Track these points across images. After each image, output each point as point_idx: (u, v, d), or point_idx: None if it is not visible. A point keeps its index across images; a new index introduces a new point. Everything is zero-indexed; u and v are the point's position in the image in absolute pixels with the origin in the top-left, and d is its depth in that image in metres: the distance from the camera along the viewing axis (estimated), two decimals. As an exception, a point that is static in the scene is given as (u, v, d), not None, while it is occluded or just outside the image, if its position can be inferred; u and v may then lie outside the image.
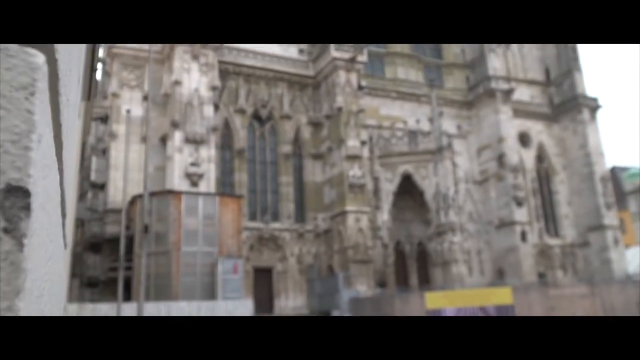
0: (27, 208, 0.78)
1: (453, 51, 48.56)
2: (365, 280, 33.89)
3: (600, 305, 26.99)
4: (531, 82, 50.31)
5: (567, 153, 48.37)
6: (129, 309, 20.68)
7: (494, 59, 46.12)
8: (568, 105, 48.74)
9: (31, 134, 0.81)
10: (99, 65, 30.53)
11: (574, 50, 50.41)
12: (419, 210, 40.06)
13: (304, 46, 41.17)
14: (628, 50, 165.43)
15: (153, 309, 22.09)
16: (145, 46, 32.14)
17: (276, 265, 36.12)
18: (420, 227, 40.07)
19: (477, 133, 45.02)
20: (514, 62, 50.01)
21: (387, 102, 42.80)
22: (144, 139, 28.43)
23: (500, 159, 42.67)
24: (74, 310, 20.52)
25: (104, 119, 34.49)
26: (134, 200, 28.40)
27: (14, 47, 0.84)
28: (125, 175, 27.06)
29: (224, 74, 36.37)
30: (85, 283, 29.84)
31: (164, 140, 33.27)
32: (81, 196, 30.31)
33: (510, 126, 44.15)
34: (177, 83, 32.93)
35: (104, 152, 33.93)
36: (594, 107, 48.90)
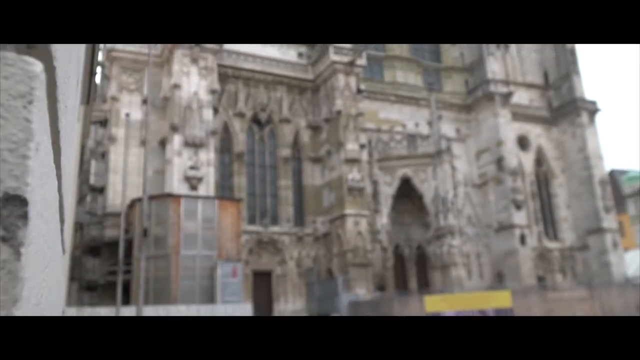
0: (24, 217, 0.78)
1: (452, 55, 48.64)
2: (364, 283, 33.86)
3: (600, 308, 26.98)
4: (530, 86, 50.37)
5: (566, 156, 48.39)
6: (128, 313, 20.66)
7: (492, 63, 46.19)
8: (567, 108, 48.79)
9: (29, 142, 0.81)
10: (98, 69, 30.55)
11: (573, 54, 50.49)
12: (418, 213, 40.05)
13: (303, 50, 41.20)
14: (626, 54, 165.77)
15: (152, 312, 22.06)
16: (145, 50, 32.17)
17: (275, 268, 36.08)
18: (419, 230, 40.05)
19: (476, 136, 45.05)
20: (512, 65, 50.07)
21: (386, 106, 42.83)
22: (143, 143, 28.43)
23: (499, 162, 42.68)
24: (72, 313, 20.49)
25: (103, 123, 34.49)
26: (133, 204, 28.39)
27: (11, 56, 0.84)
28: (125, 178, 27.06)
29: (223, 77, 36.40)
30: (84, 287, 29.78)
31: (163, 143, 33.28)
32: (80, 200, 30.28)
33: (509, 129, 44.17)
34: (177, 86, 32.95)
35: (103, 155, 33.93)
36: (592, 110, 48.96)
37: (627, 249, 53.07)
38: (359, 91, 38.50)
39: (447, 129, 43.15)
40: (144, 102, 30.82)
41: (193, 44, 33.50)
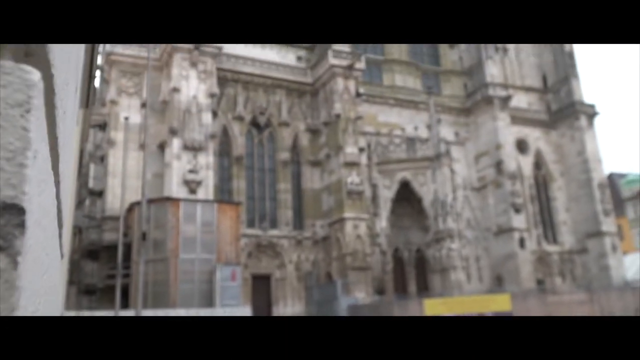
0: (21, 225, 0.78)
1: (451, 58, 48.72)
2: (363, 287, 33.83)
3: (599, 311, 26.98)
4: (528, 89, 50.45)
5: (564, 160, 48.43)
6: (126, 317, 20.60)
7: (491, 66, 46.26)
8: (565, 112, 48.86)
9: (26, 151, 0.81)
10: (98, 73, 30.57)
11: (571, 57, 50.59)
12: (417, 217, 40.05)
13: (302, 53, 41.28)
14: (625, 57, 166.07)
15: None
16: (144, 53, 32.20)
17: (274, 272, 36.05)
18: (418, 233, 40.04)
19: (475, 140, 45.09)
20: (511, 69, 50.16)
21: (385, 109, 42.86)
22: (142, 146, 28.42)
23: (498, 165, 42.71)
24: (71, 318, 20.42)
25: (103, 126, 34.50)
26: (131, 207, 28.37)
27: (9, 64, 0.84)
28: (124, 182, 27.05)
29: (222, 81, 36.43)
30: (82, 290, 29.74)
31: (162, 147, 33.28)
32: (79, 203, 30.27)
33: (508, 133, 44.22)
34: (176, 90, 32.98)
35: (102, 159, 33.92)
36: (591, 113, 49.02)
37: (626, 252, 53.07)
38: (358, 95, 38.54)
39: (446, 132, 43.17)
40: (143, 105, 30.84)
41: (192, 48, 33.56)
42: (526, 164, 46.52)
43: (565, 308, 27.11)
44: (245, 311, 25.32)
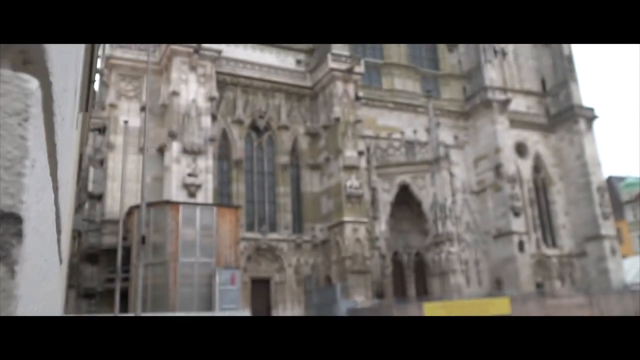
0: (19, 234, 0.78)
1: (450, 62, 48.79)
2: (363, 291, 33.79)
3: (598, 314, 26.94)
4: (527, 93, 50.52)
5: (563, 163, 48.47)
6: (125, 321, 20.53)
7: (490, 70, 46.32)
8: (564, 115, 48.92)
9: (24, 160, 0.81)
10: (97, 76, 30.56)
11: (570, 61, 50.69)
12: (417, 220, 40.04)
13: (301, 57, 41.35)
14: (624, 60, 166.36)
15: (150, 320, 21.94)
16: (143, 57, 32.20)
17: (274, 276, 36.01)
18: (417, 237, 40.03)
19: (474, 143, 45.12)
20: (510, 72, 50.24)
21: (385, 113, 42.89)
22: (141, 150, 28.40)
23: (497, 169, 42.73)
24: (70, 321, 20.36)
25: (102, 130, 34.49)
26: (131, 211, 28.34)
27: (7, 73, 0.84)
28: (123, 186, 27.01)
29: (221, 84, 36.46)
30: (82, 294, 29.69)
31: (161, 150, 33.28)
32: (78, 207, 30.24)
33: (507, 136, 44.26)
34: (175, 94, 33.00)
35: (102, 162, 33.91)
36: (590, 117, 49.09)
37: (625, 255, 53.09)
38: (357, 98, 38.57)
39: (445, 136, 43.20)
40: (143, 109, 30.83)
41: (192, 51, 33.60)
42: (525, 167, 46.55)
43: (564, 311, 27.07)
44: (245, 315, 25.28)
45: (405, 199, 39.64)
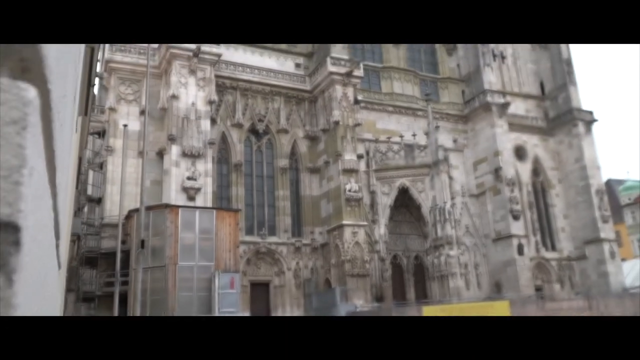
0: (17, 243, 0.78)
1: (449, 66, 48.87)
2: (362, 294, 33.77)
3: (598, 318, 26.82)
4: (526, 96, 50.58)
5: (562, 166, 48.51)
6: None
7: (489, 73, 46.39)
8: (563, 118, 48.97)
9: (22, 168, 0.81)
10: (96, 80, 30.57)
11: (569, 64, 50.77)
12: (416, 223, 40.05)
13: (300, 60, 41.42)
14: (623, 63, 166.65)
15: (149, 324, 21.90)
16: (143, 60, 32.25)
17: (273, 279, 35.98)
18: (417, 240, 40.04)
19: (473, 147, 45.17)
20: (509, 76, 50.31)
21: (384, 116, 42.95)
22: (140, 153, 28.44)
23: (497, 172, 42.76)
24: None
25: (101, 134, 34.51)
26: (130, 215, 28.34)
27: (5, 82, 0.85)
28: (122, 189, 27.08)
29: (221, 88, 36.51)
30: (81, 298, 29.64)
31: (161, 154, 33.27)
32: (78, 210, 30.20)
33: (506, 140, 44.30)
34: (175, 97, 33.02)
35: (101, 166, 33.90)
36: (589, 120, 49.13)
37: (625, 259, 53.11)
38: (357, 102, 38.61)
39: (445, 139, 43.22)
40: (142, 112, 30.83)
41: (191, 55, 33.62)
42: (524, 170, 46.58)
43: (564, 315, 27.04)
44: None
45: (405, 202, 39.66)
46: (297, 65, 41.21)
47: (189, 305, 26.34)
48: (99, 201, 33.08)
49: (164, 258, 27.05)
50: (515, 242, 40.98)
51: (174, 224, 27.55)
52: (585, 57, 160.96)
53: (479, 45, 46.72)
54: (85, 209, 33.46)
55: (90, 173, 34.18)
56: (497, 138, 43.53)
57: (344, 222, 34.92)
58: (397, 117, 43.37)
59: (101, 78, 36.17)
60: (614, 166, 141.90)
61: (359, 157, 37.57)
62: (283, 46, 41.06)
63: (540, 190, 47.54)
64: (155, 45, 33.54)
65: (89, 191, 33.56)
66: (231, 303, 26.60)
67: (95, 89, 30.87)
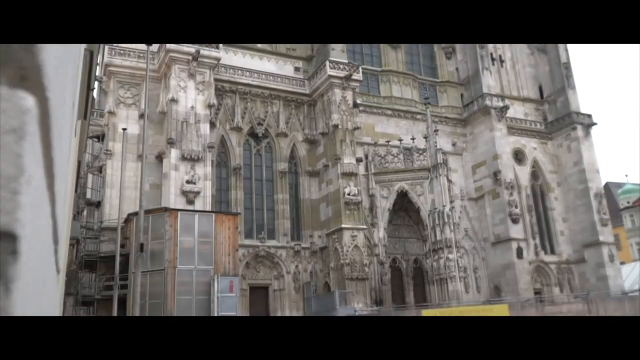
0: (15, 252, 0.78)
1: (447, 69, 48.95)
2: (361, 297, 33.74)
3: (597, 322, 26.80)
4: (525, 100, 50.65)
5: (561, 170, 48.55)
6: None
7: (488, 77, 46.47)
8: (562, 122, 49.04)
9: (20, 177, 0.81)
10: (96, 84, 30.53)
11: (567, 68, 50.84)
12: (415, 227, 40.05)
13: (299, 64, 41.47)
14: (621, 66, 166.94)
15: (148, 328, 21.86)
16: (142, 64, 32.25)
17: (272, 283, 35.95)
18: (416, 244, 40.03)
19: (472, 150, 45.22)
20: (507, 79, 50.39)
21: (383, 120, 43.01)
22: (139, 157, 28.43)
23: (496, 175, 42.80)
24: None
25: (100, 137, 34.50)
26: (129, 218, 28.30)
27: (4, 91, 0.85)
28: (121, 192, 27.05)
29: (220, 92, 36.53)
30: (80, 301, 29.59)
31: (160, 158, 33.27)
32: (77, 214, 30.16)
33: (505, 143, 44.36)
34: (174, 101, 33.02)
35: (100, 170, 33.89)
36: (588, 124, 49.19)
37: (624, 262, 53.11)
38: (356, 105, 38.64)
39: (443, 142, 43.26)
40: (141, 116, 30.83)
41: (190, 59, 33.64)
42: (523, 174, 46.60)
43: (563, 318, 26.98)
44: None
45: (404, 206, 39.66)
46: (296, 69, 41.26)
47: (188, 308, 26.30)
48: (98, 205, 33.06)
49: (163, 262, 27.02)
50: (514, 245, 40.99)
51: (173, 228, 27.52)
52: (584, 60, 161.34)
53: (478, 49, 46.82)
54: (85, 213, 33.42)
55: (90, 177, 34.17)
56: (496, 141, 43.59)
57: (343, 225, 34.91)
58: (396, 121, 43.43)
59: (100, 82, 36.14)
60: (613, 169, 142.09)
61: (358, 160, 37.59)
62: (282, 50, 41.13)
63: (539, 194, 47.57)
64: (155, 49, 33.57)
65: (88, 195, 33.54)
66: (230, 307, 26.55)
67: (95, 93, 30.88)
